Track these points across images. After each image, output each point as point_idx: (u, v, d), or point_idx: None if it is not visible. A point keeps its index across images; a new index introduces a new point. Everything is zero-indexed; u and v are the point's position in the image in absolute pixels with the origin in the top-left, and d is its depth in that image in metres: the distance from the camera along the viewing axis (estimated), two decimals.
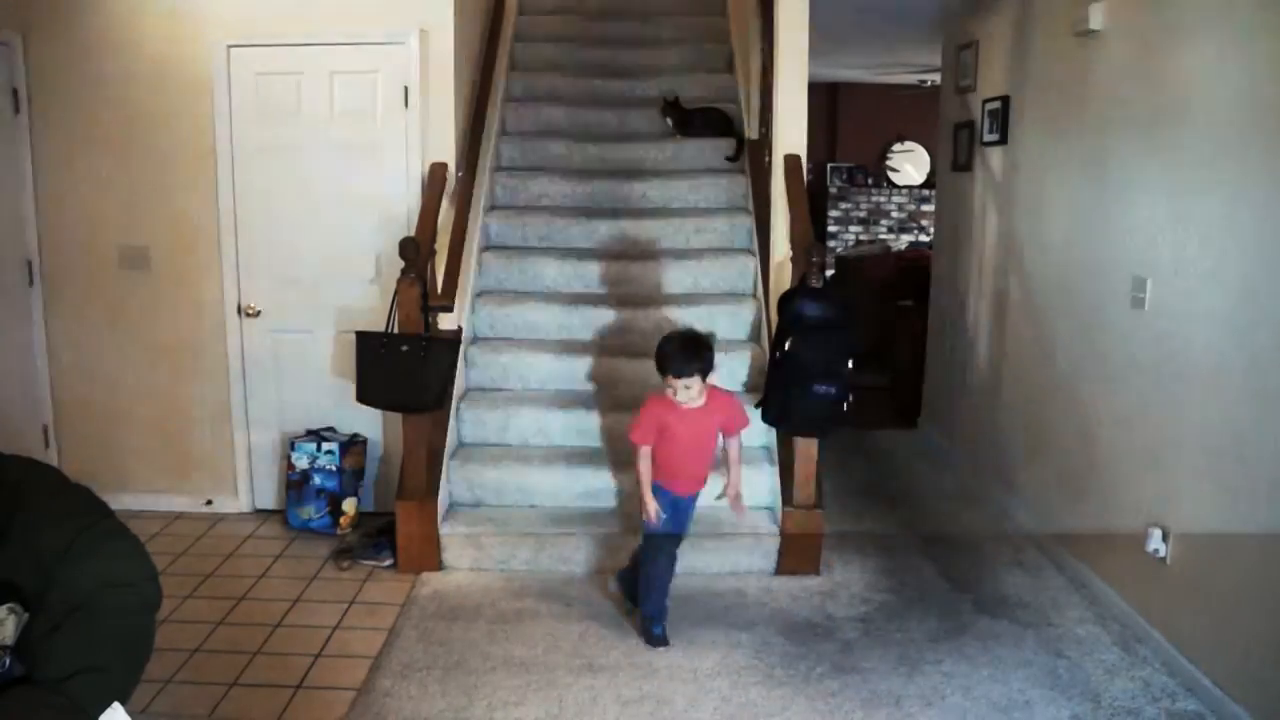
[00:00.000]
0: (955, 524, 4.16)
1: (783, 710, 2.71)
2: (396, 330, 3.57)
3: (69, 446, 4.24)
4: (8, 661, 1.69)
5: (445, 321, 3.91)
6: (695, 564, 3.58)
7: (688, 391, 2.96)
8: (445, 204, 3.95)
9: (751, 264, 4.51)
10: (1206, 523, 2.79)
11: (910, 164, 9.67)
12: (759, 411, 3.49)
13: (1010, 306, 4.33)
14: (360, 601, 3.39)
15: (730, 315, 4.36)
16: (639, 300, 4.42)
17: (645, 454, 3.05)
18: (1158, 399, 3.05)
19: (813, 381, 3.28)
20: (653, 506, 3.04)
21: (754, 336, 4.33)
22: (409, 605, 3.33)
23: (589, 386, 4.17)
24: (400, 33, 3.95)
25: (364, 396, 3.54)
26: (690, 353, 2.96)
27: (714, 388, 3.09)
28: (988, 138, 4.60)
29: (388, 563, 3.67)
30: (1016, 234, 4.27)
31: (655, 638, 3.08)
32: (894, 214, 9.73)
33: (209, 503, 4.25)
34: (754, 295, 4.44)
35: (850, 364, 3.38)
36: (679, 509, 3.12)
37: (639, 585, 3.15)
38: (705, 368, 2.97)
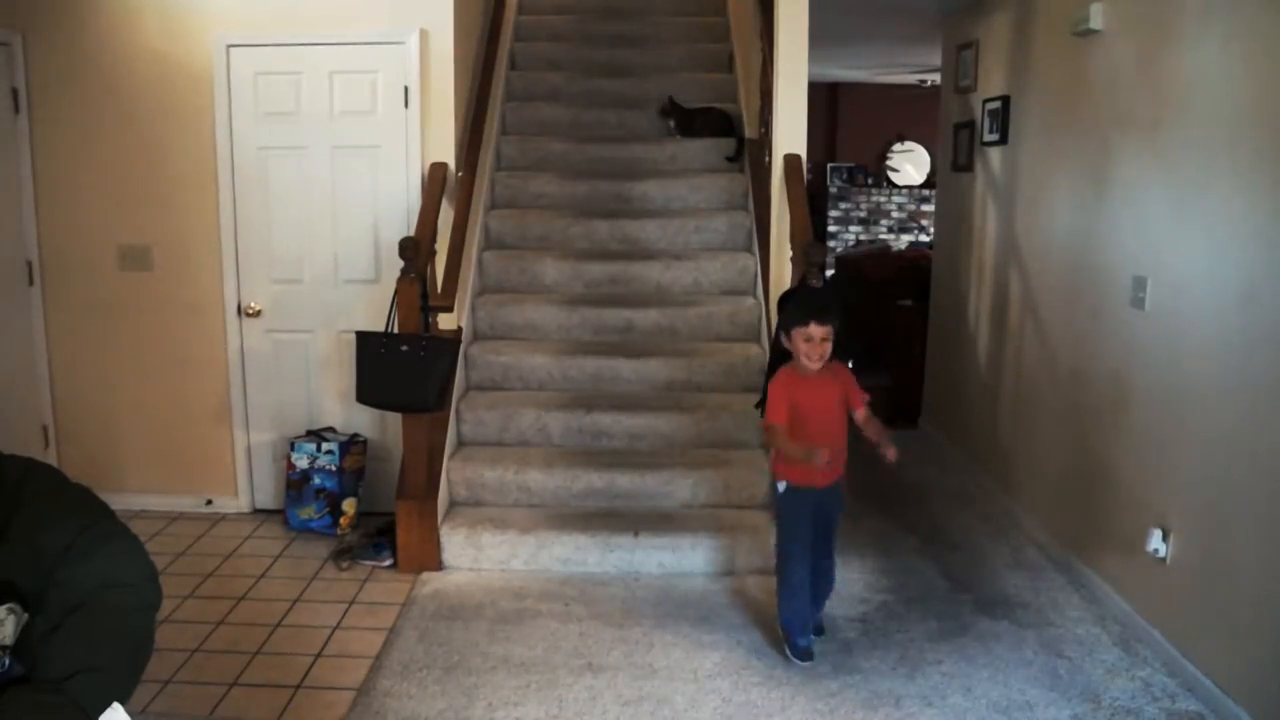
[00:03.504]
0: (955, 524, 4.16)
1: (783, 710, 2.71)
2: (396, 330, 3.58)
3: (69, 446, 4.24)
4: (7, 661, 1.69)
5: (445, 321, 3.91)
6: (695, 563, 3.59)
7: (825, 345, 2.83)
8: (445, 204, 3.95)
9: (751, 264, 4.51)
10: (1206, 523, 2.79)
11: (910, 164, 9.67)
12: (758, 411, 3.48)
13: (1010, 306, 4.33)
14: (360, 601, 3.39)
15: (730, 315, 4.36)
16: (639, 300, 4.43)
17: (781, 431, 2.90)
18: (1158, 399, 3.05)
19: None
20: (815, 452, 2.81)
21: (754, 336, 4.33)
22: (409, 605, 3.33)
23: (589, 386, 4.17)
24: (400, 33, 3.95)
25: (364, 396, 3.54)
26: (824, 299, 2.87)
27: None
28: (988, 138, 4.60)
29: (388, 563, 3.67)
30: (1016, 234, 4.27)
31: (800, 650, 2.93)
32: (894, 214, 9.72)
33: (209, 503, 4.25)
34: (754, 295, 4.45)
35: (850, 364, 3.38)
36: (822, 505, 2.98)
37: (777, 595, 3.02)
38: (836, 323, 2.86)
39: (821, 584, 3.07)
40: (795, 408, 2.92)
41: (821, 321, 2.86)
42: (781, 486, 3.00)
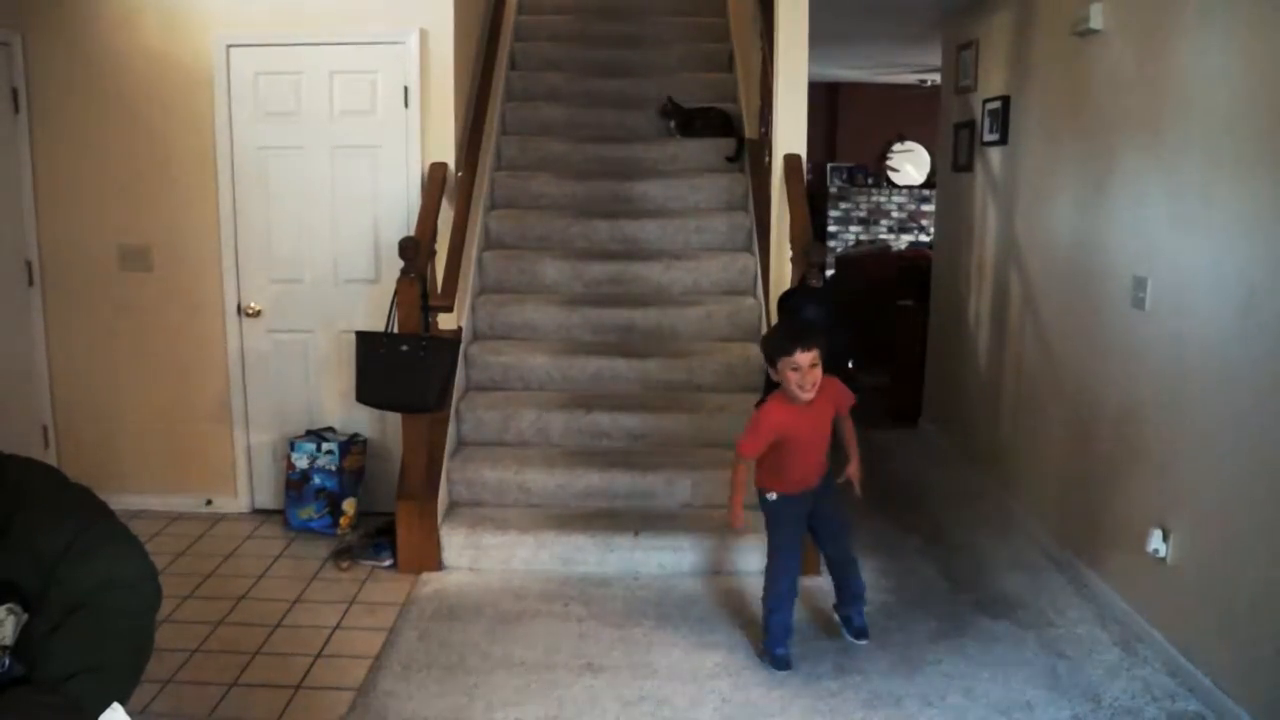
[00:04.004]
0: (955, 524, 4.15)
1: (783, 710, 2.71)
2: (396, 330, 3.58)
3: (69, 446, 4.23)
4: (7, 662, 1.69)
5: (445, 321, 3.91)
6: (695, 564, 3.59)
7: (815, 371, 2.74)
8: (445, 204, 3.95)
9: (751, 264, 4.51)
10: (1207, 523, 2.79)
11: (910, 164, 9.66)
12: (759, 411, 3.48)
13: (1010, 306, 4.33)
14: (360, 601, 3.39)
15: (730, 315, 4.36)
16: (639, 300, 4.43)
17: (744, 470, 2.90)
18: (1158, 399, 3.04)
19: None
20: (741, 515, 2.89)
21: (754, 336, 4.33)
22: (409, 605, 3.33)
23: (589, 386, 4.17)
24: (400, 33, 3.95)
25: (364, 397, 3.54)
26: (804, 326, 2.82)
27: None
28: (988, 138, 4.60)
29: (388, 563, 3.67)
30: (1016, 234, 4.27)
31: (776, 659, 2.90)
32: (894, 214, 9.71)
33: (209, 503, 4.25)
34: (754, 295, 4.45)
35: (850, 363, 3.38)
36: (815, 504, 2.94)
37: (764, 602, 2.99)
38: (821, 341, 2.78)
39: (848, 587, 3.05)
40: (786, 436, 2.85)
41: (806, 347, 2.74)
42: (773, 496, 2.96)
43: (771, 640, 2.94)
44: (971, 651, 3.03)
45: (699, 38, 5.82)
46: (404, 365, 3.45)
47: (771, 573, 2.98)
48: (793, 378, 2.77)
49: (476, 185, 4.39)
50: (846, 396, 2.97)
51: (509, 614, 3.26)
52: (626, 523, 3.66)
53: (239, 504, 4.25)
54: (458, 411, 3.99)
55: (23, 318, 4.12)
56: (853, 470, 3.02)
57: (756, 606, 3.30)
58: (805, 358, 2.74)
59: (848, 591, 3.06)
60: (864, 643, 3.00)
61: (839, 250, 9.31)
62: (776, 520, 2.98)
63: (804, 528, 3.01)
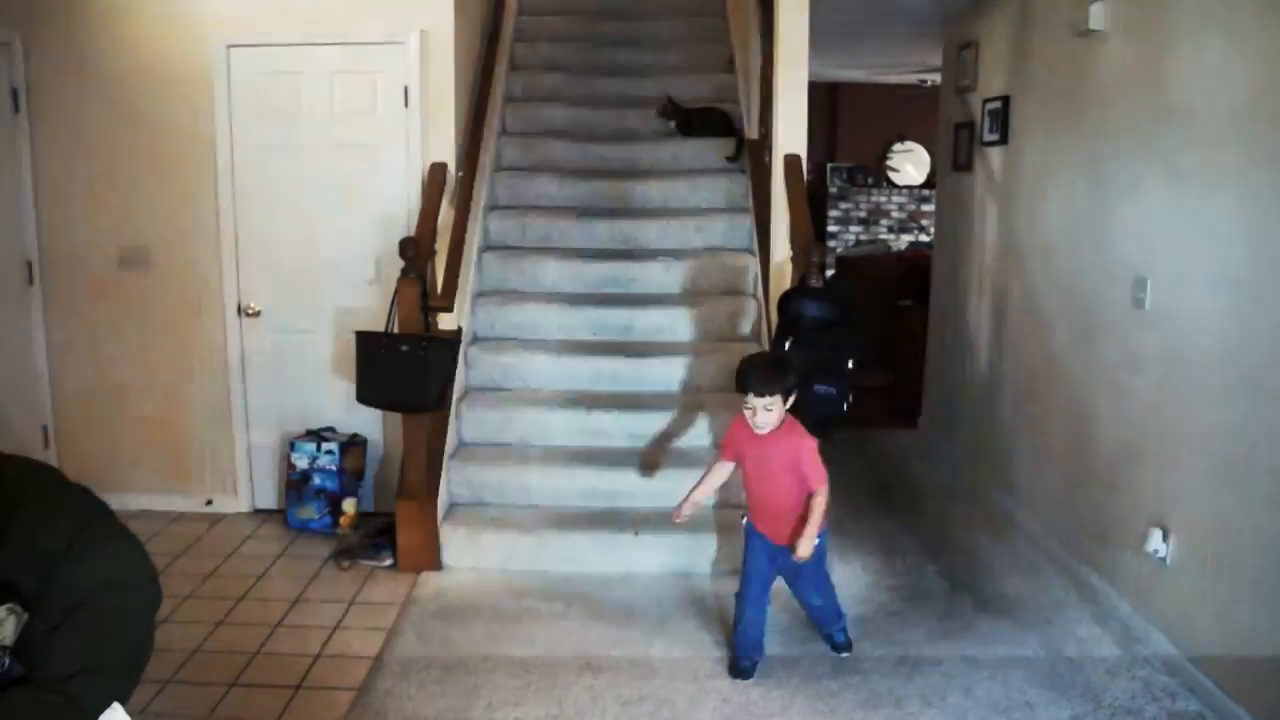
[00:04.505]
0: (955, 524, 4.16)
1: (783, 710, 2.71)
2: (396, 330, 3.58)
3: (69, 446, 4.23)
4: (7, 661, 1.69)
5: (445, 321, 3.91)
6: (695, 563, 3.59)
7: (768, 414, 2.79)
8: (445, 204, 3.95)
9: (751, 264, 4.51)
10: (1206, 523, 2.79)
11: (910, 164, 9.64)
12: None
13: (1010, 306, 4.33)
14: (360, 601, 3.39)
15: (730, 315, 4.36)
16: (639, 300, 4.42)
17: (717, 469, 3.02)
18: (1158, 399, 3.05)
19: (813, 381, 3.28)
20: (688, 507, 3.01)
21: (754, 337, 4.33)
22: (409, 605, 3.33)
23: (589, 386, 4.17)
24: (400, 33, 3.95)
25: (364, 397, 3.54)
26: (773, 371, 2.85)
27: (795, 422, 2.88)
28: (988, 138, 4.60)
29: (388, 563, 3.67)
30: (1016, 234, 4.27)
31: (739, 669, 2.90)
32: (894, 214, 9.71)
33: (209, 503, 4.25)
34: (754, 295, 4.44)
35: (851, 364, 3.38)
36: (780, 558, 2.89)
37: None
38: (788, 389, 2.83)
39: (821, 620, 3.06)
40: (741, 459, 2.93)
41: (760, 393, 2.78)
42: (744, 521, 3.00)
43: (737, 651, 2.94)
44: (971, 651, 3.03)
45: (699, 38, 5.82)
46: (404, 365, 3.45)
47: (740, 593, 2.98)
48: (746, 413, 2.86)
49: (476, 185, 4.39)
50: (815, 466, 2.82)
51: (509, 614, 3.26)
52: (626, 523, 3.66)
53: (239, 504, 4.25)
54: (458, 411, 3.99)
55: (23, 318, 4.12)
56: (801, 547, 2.76)
57: None
58: (758, 402, 2.81)
59: (822, 623, 3.07)
60: (846, 655, 3.01)
61: (839, 250, 9.30)
62: (747, 545, 3.00)
63: (770, 572, 2.97)
